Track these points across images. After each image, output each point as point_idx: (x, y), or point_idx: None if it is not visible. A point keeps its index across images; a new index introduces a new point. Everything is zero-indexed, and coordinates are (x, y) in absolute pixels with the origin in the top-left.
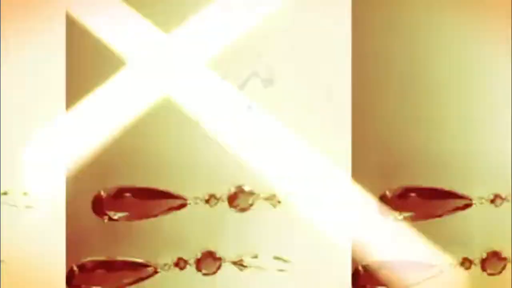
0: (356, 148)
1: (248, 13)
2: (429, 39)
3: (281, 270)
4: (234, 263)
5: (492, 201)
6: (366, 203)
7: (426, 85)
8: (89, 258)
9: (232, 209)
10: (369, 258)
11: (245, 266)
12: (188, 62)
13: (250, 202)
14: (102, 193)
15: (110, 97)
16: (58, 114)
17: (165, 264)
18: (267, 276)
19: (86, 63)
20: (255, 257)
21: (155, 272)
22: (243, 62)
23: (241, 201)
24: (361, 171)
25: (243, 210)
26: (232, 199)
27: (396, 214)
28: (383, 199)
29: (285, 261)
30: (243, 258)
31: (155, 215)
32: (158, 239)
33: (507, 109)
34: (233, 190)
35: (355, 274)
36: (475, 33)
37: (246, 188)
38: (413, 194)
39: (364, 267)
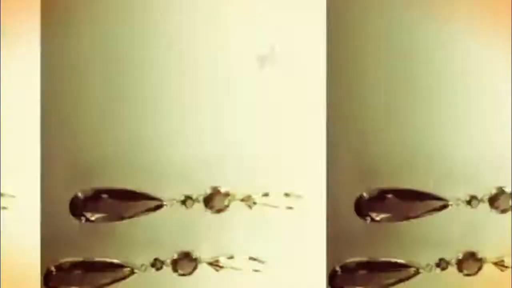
0: (331, 150)
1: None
2: (405, 39)
3: (256, 271)
4: (210, 263)
5: (469, 202)
6: (343, 203)
7: (403, 86)
8: (66, 259)
9: (208, 210)
10: (347, 259)
11: (221, 267)
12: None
13: (226, 203)
14: (79, 194)
15: (87, 98)
16: (33, 114)
17: (141, 265)
18: (243, 276)
19: (62, 63)
20: (231, 257)
21: (132, 272)
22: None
23: (217, 202)
24: (337, 172)
25: (219, 211)
26: (208, 200)
27: (373, 215)
28: (360, 200)
29: (260, 261)
30: (219, 258)
31: (132, 216)
32: (135, 240)
33: (483, 110)
34: (209, 191)
35: (333, 275)
36: (452, 33)
37: (222, 189)
38: (390, 196)
39: (342, 267)
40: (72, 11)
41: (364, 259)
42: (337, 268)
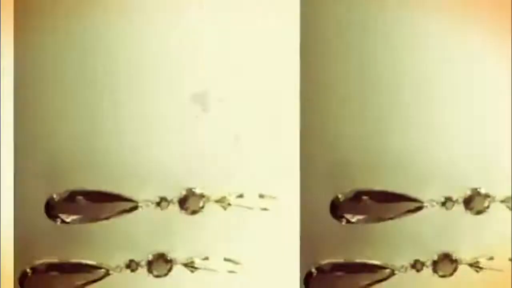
0: (306, 152)
1: None
2: (378, 37)
3: (231, 272)
4: (185, 264)
5: (443, 204)
6: (319, 205)
7: (377, 86)
8: (42, 261)
9: (183, 211)
10: (322, 260)
11: (196, 268)
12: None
13: (200, 204)
14: (54, 196)
15: (62, 100)
16: (6, 116)
17: (117, 266)
18: (218, 277)
19: (36, 64)
20: (206, 258)
21: (107, 274)
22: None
23: (191, 204)
24: (313, 174)
25: (193, 212)
26: (182, 202)
27: (348, 216)
28: (335, 202)
29: (235, 262)
30: (194, 259)
31: (107, 218)
32: (110, 242)
33: (458, 111)
34: (183, 193)
35: (308, 276)
36: (426, 31)
37: (197, 191)
38: (365, 197)
39: (317, 269)
40: (46, 11)
41: (339, 260)
42: (313, 270)
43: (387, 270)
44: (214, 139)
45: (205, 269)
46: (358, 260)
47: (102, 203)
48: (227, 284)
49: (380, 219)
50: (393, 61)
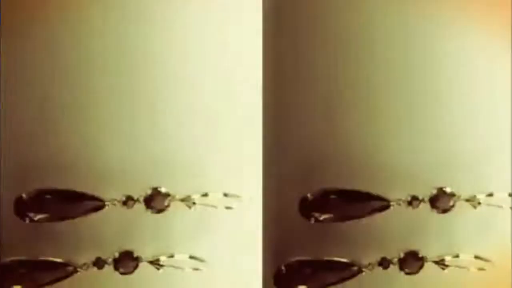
0: (272, 151)
1: None
2: (345, 36)
3: (196, 269)
4: (151, 262)
5: (410, 203)
6: (287, 204)
7: (344, 86)
8: (10, 258)
9: (148, 210)
10: (291, 258)
11: (161, 265)
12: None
13: (166, 203)
14: (23, 195)
15: (26, 99)
16: None
17: (84, 264)
18: (183, 275)
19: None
20: (171, 256)
21: (75, 271)
22: None
23: (157, 203)
24: (281, 173)
25: (159, 211)
26: (148, 201)
27: (316, 215)
28: (304, 200)
29: (200, 260)
30: (159, 257)
31: (74, 216)
32: (77, 240)
33: (423, 111)
34: (149, 192)
35: (277, 274)
36: (395, 29)
37: (163, 190)
38: (333, 196)
39: (286, 266)
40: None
41: (308, 258)
42: (282, 267)
43: (355, 268)
44: (178, 138)
45: (171, 266)
46: (326, 258)
47: (70, 202)
48: (193, 281)
49: (348, 218)
50: (361, 61)
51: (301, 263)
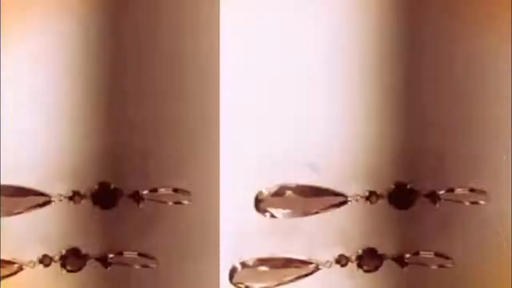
0: (228, 146)
1: None
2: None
3: (145, 266)
4: (99, 259)
5: (368, 199)
6: (242, 200)
7: (292, 83)
8: None
9: (96, 206)
10: (246, 255)
11: (109, 263)
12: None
13: (114, 199)
14: None
15: None
16: None
17: (30, 261)
18: (132, 272)
19: None
20: (120, 253)
21: (20, 268)
22: None
23: (105, 199)
24: (236, 168)
25: (107, 207)
26: (96, 196)
27: (272, 211)
28: (259, 196)
29: (150, 257)
30: (107, 255)
31: (20, 212)
32: (23, 236)
33: (379, 106)
34: (96, 187)
35: (232, 271)
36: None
37: (111, 186)
38: (289, 192)
39: (241, 264)
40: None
41: (264, 255)
42: (237, 265)
43: (312, 265)
44: (128, 132)
45: (119, 264)
46: (282, 255)
47: (15, 197)
48: (141, 279)
49: (305, 214)
50: (308, 60)
51: (257, 260)
